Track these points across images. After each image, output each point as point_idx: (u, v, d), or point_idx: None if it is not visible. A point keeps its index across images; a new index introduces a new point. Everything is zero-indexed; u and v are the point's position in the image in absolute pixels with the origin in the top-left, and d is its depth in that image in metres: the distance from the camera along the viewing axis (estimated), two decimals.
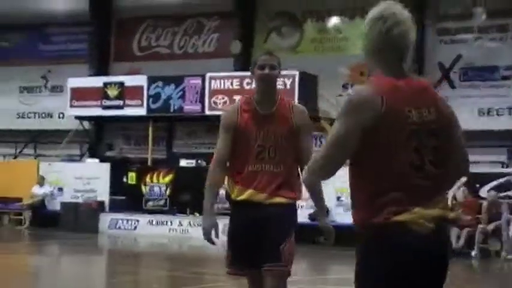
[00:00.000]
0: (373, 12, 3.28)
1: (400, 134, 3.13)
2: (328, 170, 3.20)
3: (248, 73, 21.51)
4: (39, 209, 20.68)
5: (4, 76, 24.61)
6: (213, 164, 5.19)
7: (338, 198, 17.93)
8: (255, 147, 5.06)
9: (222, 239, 5.14)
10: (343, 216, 17.42)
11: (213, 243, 5.05)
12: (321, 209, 5.14)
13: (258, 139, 5.06)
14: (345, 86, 20.44)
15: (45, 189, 20.81)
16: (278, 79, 5.38)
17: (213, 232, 5.03)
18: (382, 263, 3.04)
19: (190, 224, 19.14)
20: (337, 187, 17.51)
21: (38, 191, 20.79)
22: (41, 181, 20.86)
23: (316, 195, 4.91)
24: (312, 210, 17.58)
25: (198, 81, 20.32)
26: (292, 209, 5.05)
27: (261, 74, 5.12)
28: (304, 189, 4.55)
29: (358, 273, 3.16)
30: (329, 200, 17.54)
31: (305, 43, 21.40)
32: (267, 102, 5.16)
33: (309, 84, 19.67)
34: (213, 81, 20.11)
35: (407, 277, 3.05)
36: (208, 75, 20.20)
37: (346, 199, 17.56)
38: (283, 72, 18.33)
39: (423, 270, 3.09)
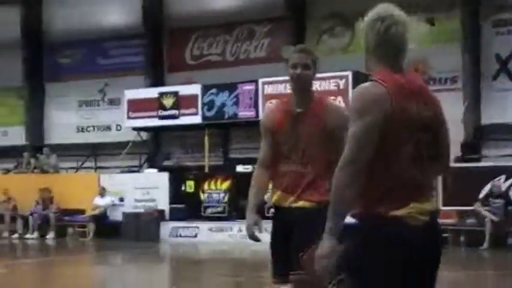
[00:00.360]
0: (372, 14, 3.42)
1: (404, 128, 3.24)
2: (356, 169, 3.20)
3: None
4: (101, 219, 20.82)
5: (64, 91, 24.97)
6: (256, 166, 5.20)
7: None
8: (286, 147, 4.95)
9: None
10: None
11: (257, 239, 4.87)
12: None
13: (289, 139, 4.93)
14: None
15: (107, 200, 20.94)
16: (313, 80, 5.13)
17: (255, 228, 4.87)
18: (381, 256, 3.15)
19: None
20: None
21: (100, 202, 20.94)
22: (103, 192, 20.99)
23: None
24: None
25: (252, 86, 20.18)
26: (318, 213, 4.21)
27: (293, 73, 4.92)
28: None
29: (352, 258, 3.25)
30: None
31: (357, 42, 21.10)
32: (301, 102, 4.97)
33: None
34: (266, 86, 19.94)
35: (404, 269, 3.16)
36: (261, 80, 20.06)
37: None
38: (336, 74, 18.19)
39: (420, 263, 3.21)
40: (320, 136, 4.85)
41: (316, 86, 19.01)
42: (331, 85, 18.96)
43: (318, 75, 18.80)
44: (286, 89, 19.40)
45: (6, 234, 21.73)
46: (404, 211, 3.19)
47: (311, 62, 4.94)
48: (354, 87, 18.45)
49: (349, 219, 3.31)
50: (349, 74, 18.87)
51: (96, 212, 20.83)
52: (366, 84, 3.32)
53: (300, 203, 4.84)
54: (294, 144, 4.90)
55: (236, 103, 20.32)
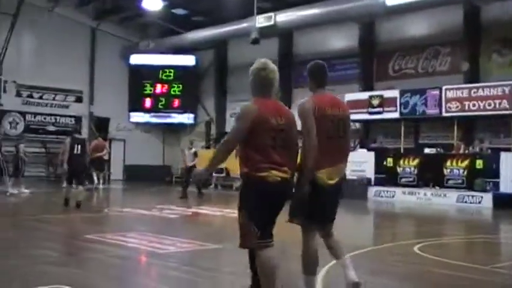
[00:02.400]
0: (258, 64, 4.41)
1: (266, 130, 4.20)
2: (229, 146, 4.25)
3: (476, 84, 20.24)
4: None
5: (305, 95, 25.25)
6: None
7: None
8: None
9: None
10: None
11: None
12: None
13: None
14: None
15: None
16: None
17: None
18: (254, 193, 4.20)
19: (432, 195, 18.58)
20: None
21: None
22: None
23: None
24: None
25: (436, 92, 19.62)
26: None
27: None
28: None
29: (241, 199, 4.30)
30: None
31: None
32: None
33: None
34: (448, 92, 19.31)
35: (267, 201, 4.20)
36: (444, 87, 19.45)
37: None
38: (503, 83, 17.24)
39: (275, 199, 4.24)
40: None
41: (487, 92, 18.17)
42: (498, 91, 17.97)
43: (489, 83, 18.12)
44: (463, 93, 18.70)
45: None
46: (267, 174, 4.17)
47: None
48: None
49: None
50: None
51: None
52: (247, 104, 4.32)
53: None
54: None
55: (425, 103, 19.86)
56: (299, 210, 4.54)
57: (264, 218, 4.19)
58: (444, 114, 19.32)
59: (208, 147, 27.30)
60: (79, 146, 13.50)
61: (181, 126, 29.79)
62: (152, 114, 29.32)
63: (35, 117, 26.98)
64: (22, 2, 23.41)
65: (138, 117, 29.48)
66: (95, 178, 20.49)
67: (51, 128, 27.07)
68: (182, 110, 29.23)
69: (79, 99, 28.45)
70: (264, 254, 4.16)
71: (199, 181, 4.82)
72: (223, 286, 5.78)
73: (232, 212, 14.10)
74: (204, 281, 5.87)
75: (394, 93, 20.95)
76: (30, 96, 27.00)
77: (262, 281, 4.18)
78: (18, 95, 26.62)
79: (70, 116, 27.79)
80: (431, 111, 19.70)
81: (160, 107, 29.14)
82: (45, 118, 27.25)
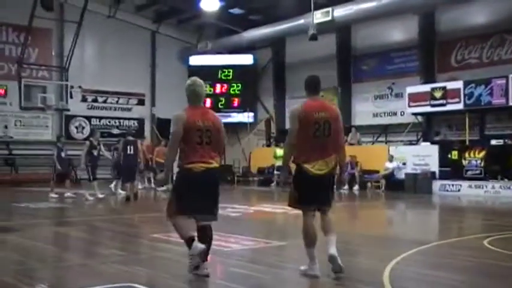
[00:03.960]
0: (189, 81, 5.58)
1: (194, 130, 5.36)
2: (174, 150, 5.48)
3: None
4: (390, 177, 21.04)
5: (364, 89, 25.37)
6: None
7: None
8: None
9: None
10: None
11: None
12: None
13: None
14: None
15: (394, 164, 21.09)
16: None
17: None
18: (184, 180, 5.42)
19: (500, 187, 18.01)
20: None
21: (388, 165, 21.15)
22: (391, 158, 21.19)
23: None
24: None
25: (503, 81, 18.97)
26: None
27: None
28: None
29: (174, 184, 5.57)
30: None
31: None
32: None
33: None
34: None
35: (192, 185, 5.37)
36: (511, 75, 18.77)
37: None
38: None
39: (200, 184, 5.37)
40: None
41: None
42: None
43: None
44: None
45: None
46: (192, 165, 5.35)
47: None
48: None
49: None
50: None
51: (386, 172, 21.07)
52: (179, 111, 5.43)
53: None
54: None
55: (490, 94, 19.26)
56: (293, 197, 5.59)
57: (185, 198, 5.38)
58: (511, 103, 18.68)
59: (269, 145, 27.41)
60: (131, 147, 15.38)
61: (241, 125, 30.00)
62: None
63: (99, 120, 27.89)
64: (85, 9, 24.17)
65: None
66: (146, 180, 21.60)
67: (116, 131, 27.88)
68: (242, 109, 29.46)
69: (141, 102, 29.18)
70: (176, 219, 5.48)
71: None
72: (289, 283, 5.81)
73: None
74: (270, 277, 5.93)
75: (457, 84, 20.40)
76: (95, 100, 27.92)
77: (178, 233, 5.58)
78: (84, 99, 27.59)
79: (133, 119, 28.55)
80: (498, 101, 19.08)
81: (220, 106, 29.44)
82: (109, 122, 28.12)
